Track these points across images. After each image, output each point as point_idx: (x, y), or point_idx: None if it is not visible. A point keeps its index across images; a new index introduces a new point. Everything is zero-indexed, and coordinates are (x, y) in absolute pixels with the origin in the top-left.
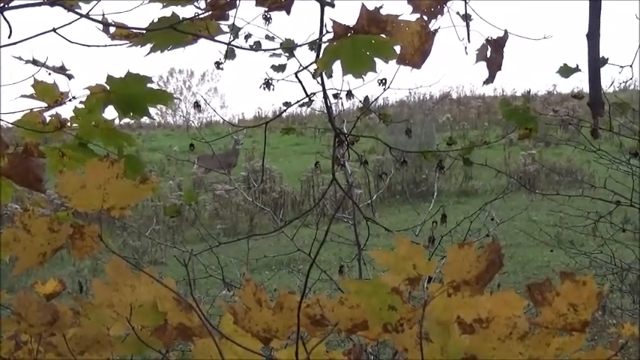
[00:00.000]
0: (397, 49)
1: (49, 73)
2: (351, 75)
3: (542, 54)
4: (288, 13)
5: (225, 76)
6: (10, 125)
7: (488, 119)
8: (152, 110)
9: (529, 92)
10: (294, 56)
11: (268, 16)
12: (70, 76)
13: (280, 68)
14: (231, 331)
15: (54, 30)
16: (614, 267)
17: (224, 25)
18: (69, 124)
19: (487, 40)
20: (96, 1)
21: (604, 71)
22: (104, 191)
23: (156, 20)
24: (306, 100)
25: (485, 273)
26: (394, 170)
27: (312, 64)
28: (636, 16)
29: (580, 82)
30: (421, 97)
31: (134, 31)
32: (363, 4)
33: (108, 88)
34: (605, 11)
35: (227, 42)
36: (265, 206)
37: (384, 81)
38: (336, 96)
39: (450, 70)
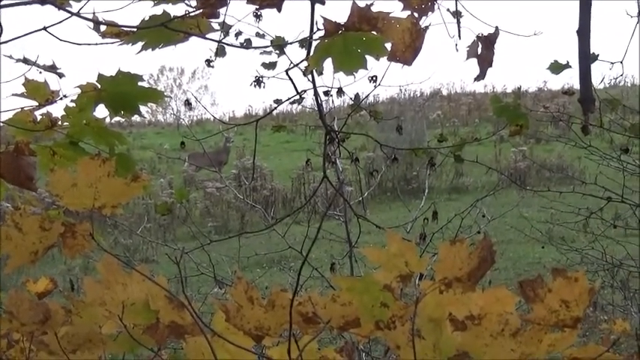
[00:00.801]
0: (388, 46)
1: (40, 72)
2: (342, 72)
3: (532, 50)
4: (279, 10)
5: (215, 74)
6: (1, 124)
7: (478, 116)
8: (143, 108)
9: (520, 89)
10: (284, 54)
11: (259, 13)
12: (60, 75)
13: (271, 66)
14: (223, 329)
15: (44, 28)
16: (606, 263)
17: (215, 23)
18: (60, 122)
19: (478, 36)
20: (86, 0)
21: (594, 68)
22: (95, 189)
23: (147, 18)
24: (297, 97)
25: (477, 270)
26: (385, 167)
27: (302, 61)
28: (627, 13)
29: (570, 79)
30: (412, 94)
31: (125, 29)
32: (354, 1)
33: (99, 86)
34: (595, 7)
35: (218, 40)
36: (256, 204)
37: (374, 78)
38: (326, 93)
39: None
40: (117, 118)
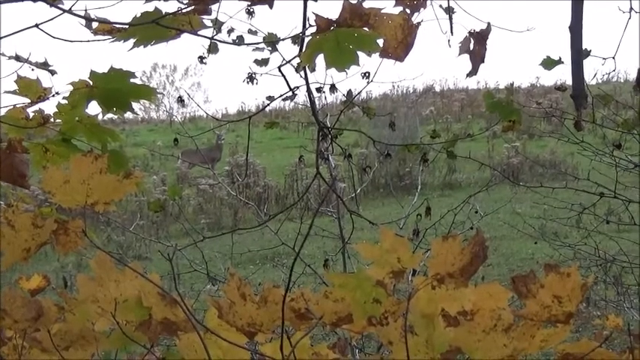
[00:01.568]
0: (380, 42)
1: (32, 69)
2: (335, 68)
3: (525, 46)
4: (271, 7)
5: (208, 71)
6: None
7: (471, 112)
8: (135, 105)
9: (512, 85)
10: (277, 50)
11: (251, 10)
12: (53, 72)
13: (263, 62)
14: (215, 326)
15: (36, 26)
16: (598, 259)
17: (207, 20)
18: (52, 119)
19: (470, 32)
20: None
21: (587, 63)
22: (88, 186)
23: (139, 15)
24: (290, 94)
25: (470, 265)
26: (378, 164)
27: (295, 58)
28: (619, 9)
29: (563, 75)
30: (404, 91)
31: (117, 26)
32: None
33: (91, 83)
34: (587, 3)
35: (210, 36)
36: (249, 200)
37: (367, 74)
38: (319, 90)
39: (433, 63)
40: (109, 115)
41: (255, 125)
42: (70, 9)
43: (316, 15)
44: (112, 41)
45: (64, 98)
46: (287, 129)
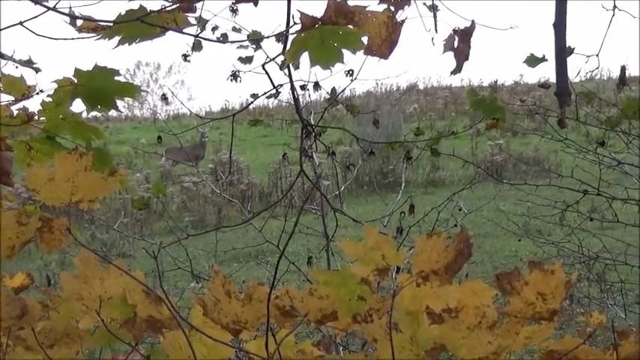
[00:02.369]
0: (364, 39)
1: (17, 67)
2: (319, 66)
3: (508, 44)
4: (256, 4)
5: (192, 69)
6: None
7: (455, 109)
8: (119, 103)
9: (496, 82)
10: (261, 48)
11: (235, 8)
12: (37, 70)
13: (247, 60)
14: (200, 323)
15: (21, 23)
16: (582, 256)
17: (191, 17)
18: (36, 117)
19: (454, 30)
20: None
21: (570, 61)
22: (72, 184)
23: (123, 13)
24: (274, 91)
25: (454, 263)
26: (362, 161)
27: (279, 55)
28: (602, 6)
29: (547, 72)
30: (388, 88)
31: (101, 23)
32: None
33: (75, 81)
34: (571, 1)
35: (194, 34)
36: (233, 198)
37: (351, 72)
38: (303, 87)
39: (417, 61)
40: (94, 113)
41: (239, 123)
42: (55, 7)
43: (301, 13)
44: (97, 39)
45: (48, 96)
46: (271, 127)
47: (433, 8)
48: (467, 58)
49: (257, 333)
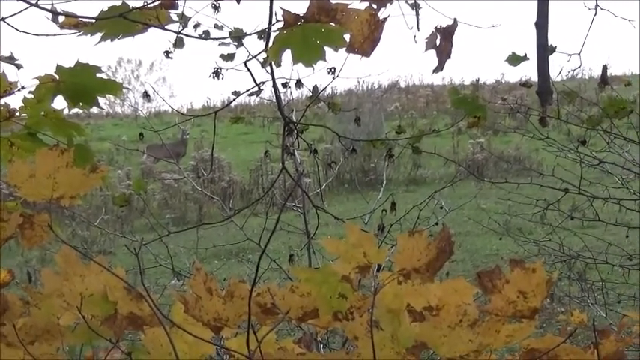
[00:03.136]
0: (347, 37)
1: None
2: (302, 64)
3: (490, 42)
4: (238, 1)
5: (174, 66)
6: None
7: (436, 108)
8: (101, 100)
9: (477, 81)
10: (243, 45)
11: (217, 5)
12: (19, 66)
13: (229, 57)
14: (181, 320)
15: (2, 19)
16: (563, 255)
17: (173, 14)
18: (18, 113)
19: (436, 28)
20: None
21: (552, 60)
22: (54, 180)
23: (105, 9)
24: (255, 89)
25: (436, 260)
26: (343, 159)
27: (261, 53)
28: (584, 5)
29: (528, 71)
30: (370, 86)
31: (83, 20)
32: None
33: (57, 77)
34: (553, 0)
35: (176, 31)
36: (214, 195)
37: (333, 70)
38: (285, 85)
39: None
40: (75, 110)
41: (221, 120)
42: (37, 3)
43: (283, 10)
44: (79, 35)
45: (30, 92)
46: (252, 124)
47: (415, 6)
48: (449, 57)
49: (238, 330)
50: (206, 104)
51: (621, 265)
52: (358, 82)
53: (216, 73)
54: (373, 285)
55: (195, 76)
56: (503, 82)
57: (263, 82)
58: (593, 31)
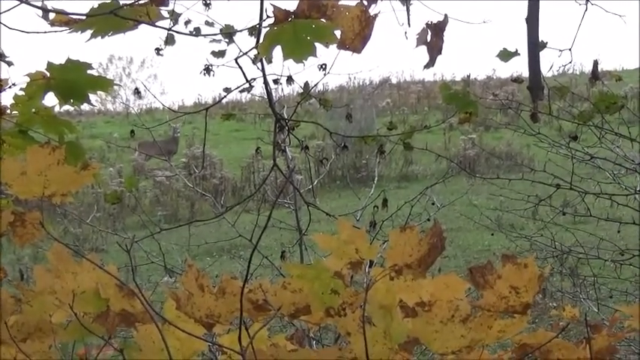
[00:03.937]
0: (338, 33)
1: None
2: (292, 60)
3: (481, 38)
4: None
5: (165, 63)
6: None
7: (428, 104)
8: (92, 97)
9: (469, 76)
10: (233, 42)
11: (208, 1)
12: (9, 63)
13: (220, 54)
14: (173, 317)
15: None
16: (554, 250)
17: (164, 11)
18: (9, 111)
19: (427, 24)
20: None
21: (543, 55)
22: (45, 178)
23: (96, 6)
24: (247, 85)
25: (428, 256)
26: (335, 155)
27: (252, 49)
28: (575, 1)
29: (519, 67)
30: (361, 83)
31: (74, 17)
32: None
33: (48, 74)
34: None
35: (167, 28)
36: (206, 192)
37: (324, 66)
38: (276, 81)
39: (390, 55)
40: (66, 107)
41: (212, 117)
42: (27, 0)
43: (274, 6)
44: (69, 32)
45: (20, 89)
46: (244, 121)
47: (406, 2)
48: (440, 53)
49: (230, 327)
50: (197, 101)
51: (613, 260)
52: (349, 78)
53: (207, 69)
54: (365, 281)
55: (187, 73)
56: (494, 77)
57: (254, 79)
58: (583, 27)
